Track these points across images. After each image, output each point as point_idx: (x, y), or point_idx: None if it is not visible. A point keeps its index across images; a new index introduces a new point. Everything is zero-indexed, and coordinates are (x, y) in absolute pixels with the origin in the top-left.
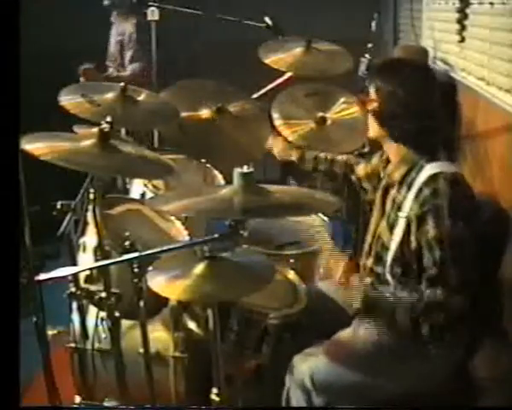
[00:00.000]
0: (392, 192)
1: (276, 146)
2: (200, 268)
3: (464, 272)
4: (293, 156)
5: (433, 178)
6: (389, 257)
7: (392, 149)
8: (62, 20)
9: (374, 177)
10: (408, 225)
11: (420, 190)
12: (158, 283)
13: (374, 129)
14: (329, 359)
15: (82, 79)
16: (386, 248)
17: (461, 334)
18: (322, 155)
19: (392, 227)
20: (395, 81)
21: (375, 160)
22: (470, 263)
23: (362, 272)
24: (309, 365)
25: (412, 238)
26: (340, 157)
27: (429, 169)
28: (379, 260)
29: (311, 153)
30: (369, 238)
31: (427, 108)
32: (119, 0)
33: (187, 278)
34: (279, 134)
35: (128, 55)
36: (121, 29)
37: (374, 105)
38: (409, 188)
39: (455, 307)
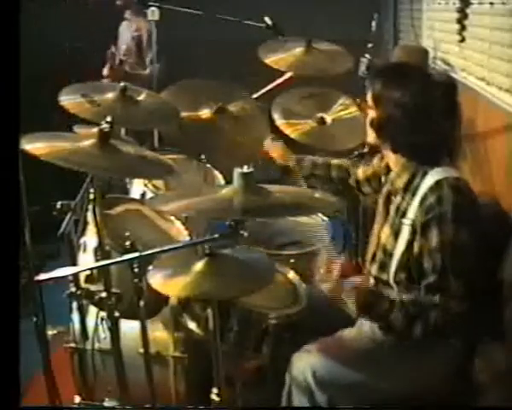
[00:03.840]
0: (396, 199)
1: (274, 151)
2: (200, 265)
3: (464, 280)
4: (290, 162)
5: (437, 184)
6: (393, 264)
7: (391, 158)
8: (62, 19)
9: (374, 179)
10: (413, 233)
11: (425, 196)
12: (157, 280)
13: (371, 136)
14: (328, 356)
15: (107, 69)
16: (389, 255)
17: (460, 335)
18: (320, 160)
19: (396, 234)
20: (396, 89)
21: (376, 162)
22: (472, 270)
23: (366, 277)
24: (310, 361)
25: (415, 245)
26: (335, 161)
27: (433, 175)
28: (383, 267)
29: (308, 159)
30: (372, 245)
31: (429, 119)
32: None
33: (187, 275)
34: (277, 138)
35: (149, 55)
36: (137, 25)
37: (371, 113)
38: (413, 194)
39: (451, 312)
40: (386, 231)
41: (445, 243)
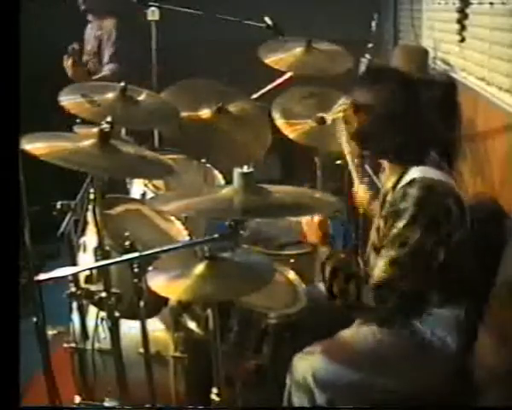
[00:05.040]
0: (387, 200)
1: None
2: (200, 268)
3: (411, 278)
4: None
5: (410, 183)
6: None
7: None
8: (62, 19)
9: None
10: None
11: (396, 192)
12: (158, 283)
13: (356, 150)
14: (329, 357)
15: (69, 63)
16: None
17: (460, 335)
18: None
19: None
20: (373, 94)
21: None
22: (422, 271)
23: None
24: (310, 363)
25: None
26: None
27: (412, 174)
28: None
29: None
30: (369, 247)
31: (410, 121)
32: (97, 5)
33: (187, 278)
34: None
35: (106, 54)
36: (100, 24)
37: (352, 126)
38: None
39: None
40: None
41: (395, 238)
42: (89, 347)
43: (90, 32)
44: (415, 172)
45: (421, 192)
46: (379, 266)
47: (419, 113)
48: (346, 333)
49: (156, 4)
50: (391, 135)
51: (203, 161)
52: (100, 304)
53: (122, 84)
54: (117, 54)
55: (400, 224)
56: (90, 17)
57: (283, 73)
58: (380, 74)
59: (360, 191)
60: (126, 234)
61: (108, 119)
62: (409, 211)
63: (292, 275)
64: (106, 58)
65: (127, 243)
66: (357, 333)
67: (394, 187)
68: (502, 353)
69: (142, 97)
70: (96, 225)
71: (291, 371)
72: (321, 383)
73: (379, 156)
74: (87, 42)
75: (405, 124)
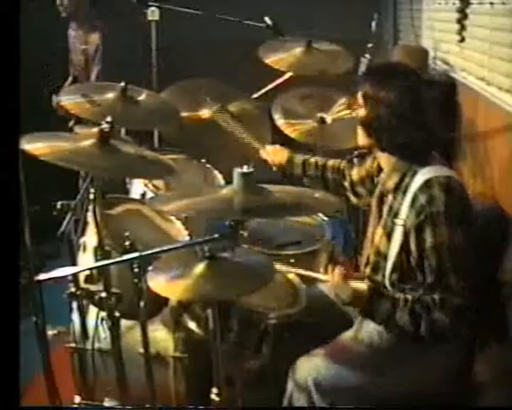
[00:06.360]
0: (388, 199)
1: (270, 155)
2: (200, 268)
3: (463, 277)
4: (283, 160)
5: (427, 183)
6: (388, 265)
7: (383, 158)
8: (62, 19)
9: (368, 180)
10: (405, 233)
11: (415, 196)
12: (158, 283)
13: (362, 138)
14: (332, 361)
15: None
16: (383, 255)
17: (461, 335)
18: (312, 160)
19: (389, 235)
20: (384, 88)
21: (369, 163)
22: (469, 267)
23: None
24: (311, 367)
25: (412, 247)
26: (331, 162)
27: (423, 174)
28: (376, 268)
29: (299, 157)
30: (366, 248)
31: (417, 117)
32: (78, 13)
33: (187, 278)
34: (271, 142)
35: (94, 71)
36: (85, 38)
37: (361, 113)
38: (404, 194)
39: (452, 306)
40: (379, 232)
41: (440, 243)
42: (89, 347)
43: (75, 41)
44: (426, 173)
45: (446, 191)
46: (427, 281)
47: (424, 111)
48: (347, 336)
49: (156, 4)
50: (399, 130)
51: (203, 161)
52: (100, 304)
53: (122, 84)
54: (104, 72)
55: (439, 229)
56: (73, 25)
57: (283, 73)
58: (391, 69)
59: None
60: (126, 234)
61: (108, 119)
62: (441, 214)
63: (292, 275)
64: (93, 76)
65: (127, 243)
66: (358, 336)
67: (397, 188)
68: (502, 353)
69: (142, 97)
70: (96, 225)
71: (293, 374)
72: (321, 389)
73: (383, 148)
74: (73, 52)
75: (413, 121)
